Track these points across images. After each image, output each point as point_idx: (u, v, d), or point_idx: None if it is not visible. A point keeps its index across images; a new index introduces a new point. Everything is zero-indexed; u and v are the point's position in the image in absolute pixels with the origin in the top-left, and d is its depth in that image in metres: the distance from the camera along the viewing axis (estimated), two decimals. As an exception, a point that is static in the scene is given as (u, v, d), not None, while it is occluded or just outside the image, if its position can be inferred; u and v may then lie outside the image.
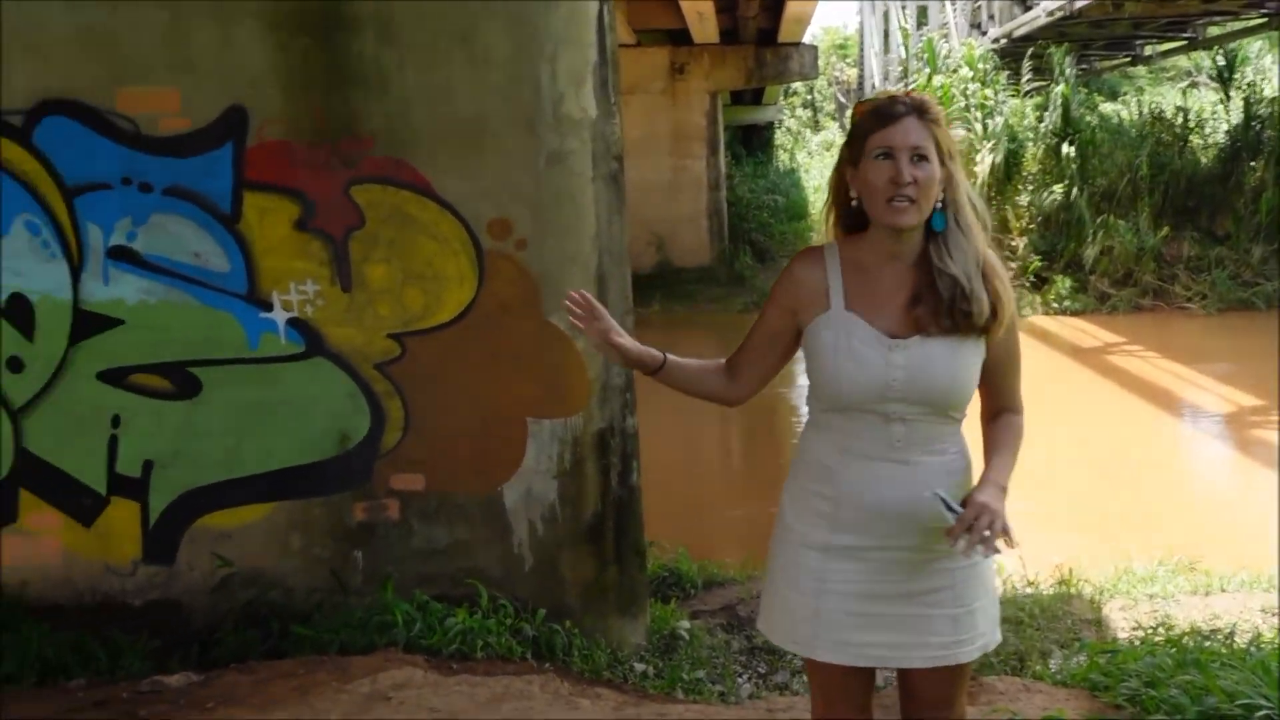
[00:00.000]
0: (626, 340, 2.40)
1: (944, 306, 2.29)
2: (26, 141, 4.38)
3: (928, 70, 21.95)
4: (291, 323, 4.50)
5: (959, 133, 19.89)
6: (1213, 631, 4.42)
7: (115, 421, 4.53)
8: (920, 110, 2.31)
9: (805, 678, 4.52)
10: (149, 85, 4.39)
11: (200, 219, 4.43)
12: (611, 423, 4.69)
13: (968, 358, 2.34)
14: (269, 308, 4.48)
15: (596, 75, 4.53)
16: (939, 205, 2.32)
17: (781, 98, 32.76)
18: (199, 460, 4.56)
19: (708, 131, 21.61)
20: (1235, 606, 5.58)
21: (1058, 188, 19.17)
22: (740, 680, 4.75)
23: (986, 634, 2.43)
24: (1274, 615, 5.47)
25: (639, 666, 4.66)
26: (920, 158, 2.28)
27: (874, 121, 2.31)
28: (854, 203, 2.36)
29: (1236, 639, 4.43)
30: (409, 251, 4.48)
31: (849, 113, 2.50)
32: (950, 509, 2.23)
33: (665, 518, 6.75)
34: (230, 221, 4.43)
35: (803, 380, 2.52)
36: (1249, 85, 20.77)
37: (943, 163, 2.31)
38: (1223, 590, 5.99)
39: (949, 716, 2.48)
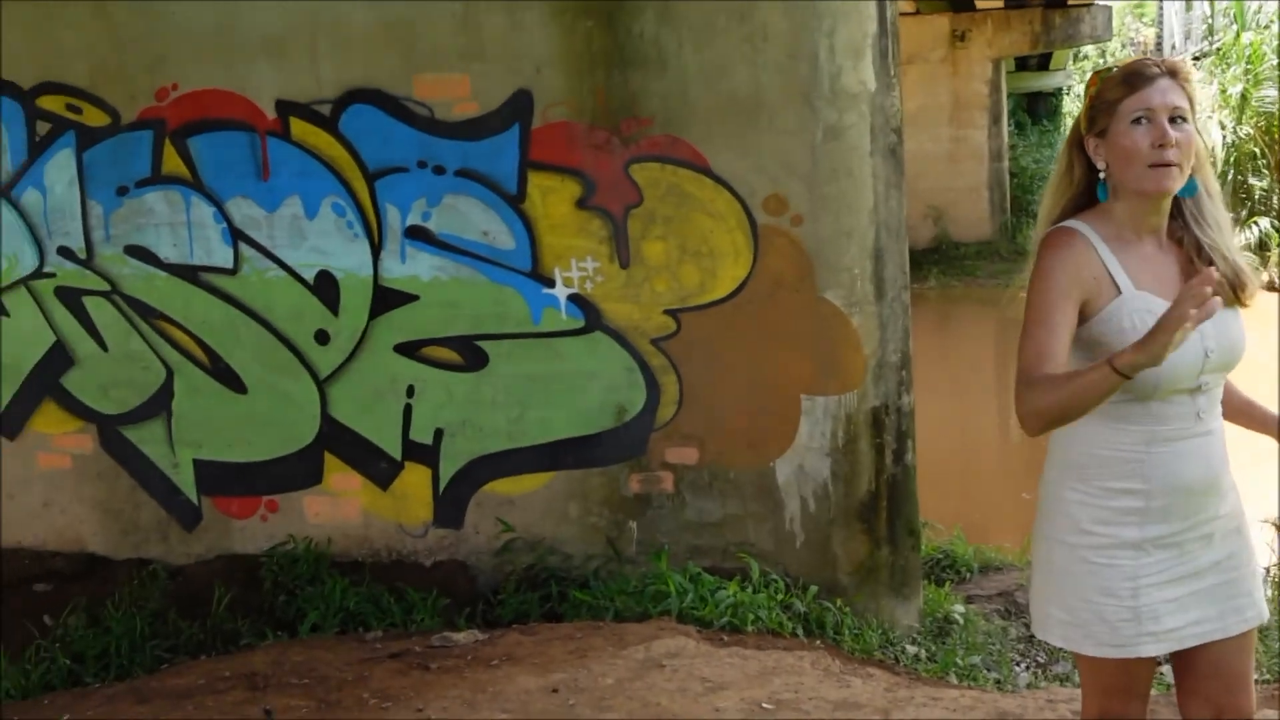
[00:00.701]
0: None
1: (1225, 281, 2.23)
2: (333, 129, 4.70)
3: (1235, 27, 20.38)
4: (572, 298, 4.65)
5: (1270, 93, 18.43)
6: None
7: (410, 391, 4.81)
8: (1176, 72, 2.24)
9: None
10: (442, 72, 4.62)
11: (488, 199, 4.64)
12: (886, 400, 4.63)
13: (1242, 316, 2.33)
14: (551, 284, 4.65)
15: (875, 47, 4.45)
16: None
17: (1070, 62, 31.14)
18: (485, 429, 4.79)
19: (989, 100, 20.78)
20: None
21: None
22: (1018, 669, 4.59)
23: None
24: None
25: (911, 649, 4.58)
26: (1179, 119, 2.21)
27: (1126, 86, 2.24)
28: (1101, 174, 2.28)
29: None
30: (685, 228, 4.55)
31: (1085, 84, 2.37)
32: None
33: (940, 499, 6.60)
34: (516, 201, 4.62)
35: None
36: None
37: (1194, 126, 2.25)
38: None
39: (1252, 693, 2.40)
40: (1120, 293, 2.22)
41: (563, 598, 4.66)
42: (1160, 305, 2.18)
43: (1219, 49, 20.74)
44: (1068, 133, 2.38)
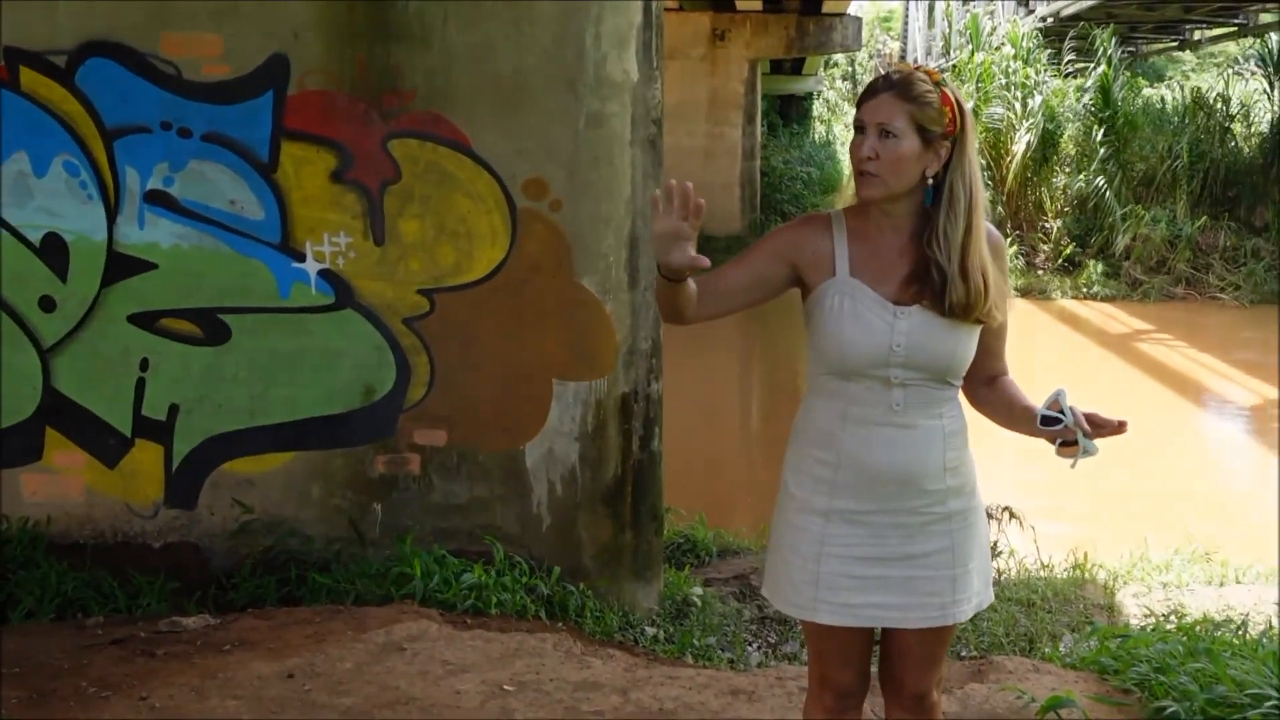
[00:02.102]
0: (691, 247, 2.23)
1: (937, 290, 2.33)
2: (69, 82, 4.40)
3: (970, 46, 21.73)
4: (323, 274, 4.52)
5: (998, 110, 19.74)
6: (1225, 621, 4.42)
7: (144, 365, 4.57)
8: (901, 87, 2.33)
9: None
10: (192, 30, 4.40)
11: (237, 166, 4.45)
12: (636, 387, 4.71)
13: (966, 332, 2.38)
14: (301, 258, 4.51)
15: (640, 38, 4.51)
16: (929, 182, 2.35)
17: (822, 69, 32.48)
18: (224, 407, 4.60)
19: (745, 100, 21.47)
20: (1249, 598, 5.58)
21: (1093, 171, 19.01)
22: (750, 648, 4.78)
23: (981, 593, 2.49)
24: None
25: (650, 630, 4.70)
26: (888, 134, 2.31)
27: (860, 96, 2.39)
28: None
29: (1249, 630, 4.42)
30: (443, 207, 4.49)
31: None
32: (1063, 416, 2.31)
33: (684, 484, 6.79)
34: (267, 170, 4.45)
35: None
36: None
37: (928, 142, 2.32)
38: (1238, 582, 6.00)
39: (933, 676, 2.55)
40: (834, 275, 2.37)
41: (301, 581, 4.53)
42: (868, 294, 2.34)
43: (954, 66, 22.04)
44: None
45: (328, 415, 4.61)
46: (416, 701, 3.60)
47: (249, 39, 4.40)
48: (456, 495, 4.66)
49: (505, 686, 3.73)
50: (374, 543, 4.65)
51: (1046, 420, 2.33)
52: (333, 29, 4.41)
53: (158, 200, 4.47)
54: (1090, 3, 19.43)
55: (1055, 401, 2.33)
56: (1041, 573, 5.95)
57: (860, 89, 2.46)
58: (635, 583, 4.82)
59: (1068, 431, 2.31)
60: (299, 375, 4.58)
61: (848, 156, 2.44)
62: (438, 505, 4.66)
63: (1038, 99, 19.59)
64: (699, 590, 5.14)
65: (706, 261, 2.22)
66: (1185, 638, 4.02)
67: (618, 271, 4.57)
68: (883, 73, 2.40)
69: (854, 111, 2.41)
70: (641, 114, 4.58)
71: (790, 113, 30.89)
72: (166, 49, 4.39)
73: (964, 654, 4.60)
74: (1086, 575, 5.93)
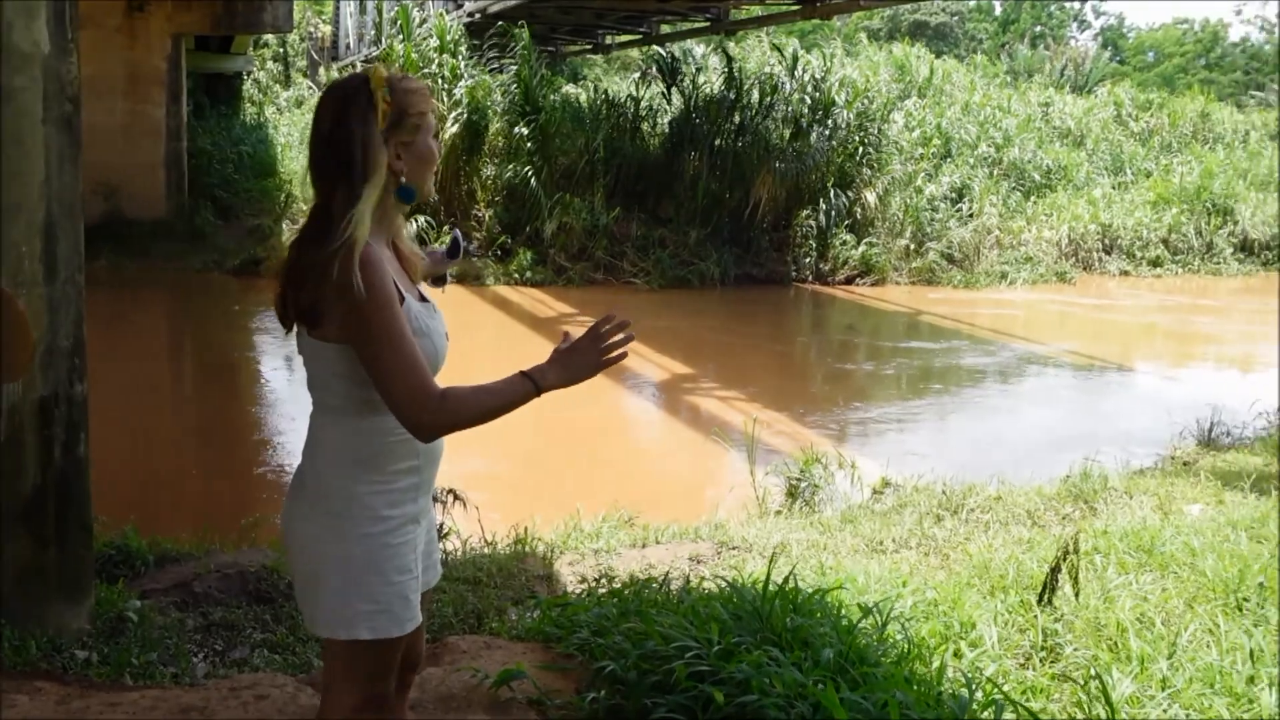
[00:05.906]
0: None
1: (420, 272, 2.54)
2: None
3: (401, 36, 22.02)
4: None
5: (429, 103, 20.18)
6: (649, 581, 4.86)
7: None
8: None
9: (275, 655, 4.44)
10: None
11: None
12: (57, 389, 4.30)
13: None
14: None
15: (51, 6, 4.10)
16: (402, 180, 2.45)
17: (251, 49, 31.37)
18: None
19: (169, 77, 20.25)
20: (668, 556, 6.17)
21: (520, 163, 20.02)
22: (196, 660, 4.55)
23: None
24: (700, 562, 6.12)
25: (81, 654, 4.32)
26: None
27: (428, 102, 2.39)
28: (404, 180, 2.35)
29: (670, 587, 4.89)
30: None
31: (373, 82, 2.35)
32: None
33: (114, 492, 6.33)
34: None
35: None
36: (692, 83, 22.77)
37: None
38: (657, 541, 6.59)
39: (423, 638, 2.74)
40: (405, 299, 2.34)
41: None
42: (419, 304, 2.41)
43: (383, 54, 22.22)
44: (368, 139, 2.29)
45: None
46: None
47: None
48: None
49: (-95, 741, 3.28)
50: None
51: (453, 251, 3.05)
52: None
53: None
54: (514, 2, 20.39)
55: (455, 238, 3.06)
56: (485, 550, 6.20)
57: (414, 90, 2.37)
58: (63, 603, 4.41)
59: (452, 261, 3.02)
60: None
61: (413, 161, 2.36)
62: None
63: (462, 91, 20.24)
64: (135, 603, 4.80)
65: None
66: (617, 600, 4.38)
67: (31, 263, 4.14)
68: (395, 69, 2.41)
69: (426, 114, 2.37)
70: (55, 90, 4.17)
71: (219, 92, 29.53)
72: None
73: (417, 638, 4.68)
74: (527, 549, 6.25)
